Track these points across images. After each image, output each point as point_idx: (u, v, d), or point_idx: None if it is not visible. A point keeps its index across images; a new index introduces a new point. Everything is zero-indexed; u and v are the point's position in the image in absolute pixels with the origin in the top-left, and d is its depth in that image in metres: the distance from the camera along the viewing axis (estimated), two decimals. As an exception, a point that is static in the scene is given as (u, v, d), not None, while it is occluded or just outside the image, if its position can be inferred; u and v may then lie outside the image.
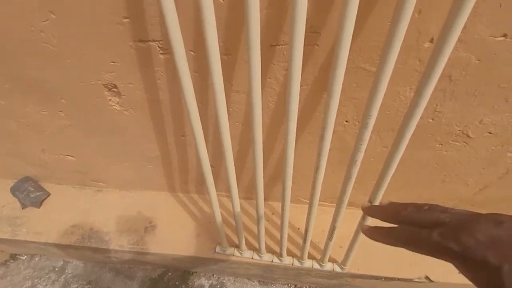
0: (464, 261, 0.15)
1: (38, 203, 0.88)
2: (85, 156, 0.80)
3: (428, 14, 0.36)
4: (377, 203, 0.56)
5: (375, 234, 0.23)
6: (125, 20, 0.44)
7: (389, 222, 0.22)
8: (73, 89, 0.58)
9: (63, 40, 0.48)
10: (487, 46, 0.38)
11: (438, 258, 0.18)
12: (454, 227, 0.16)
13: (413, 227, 0.19)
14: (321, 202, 0.77)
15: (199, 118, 0.45)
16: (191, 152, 0.71)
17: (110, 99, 0.59)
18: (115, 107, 0.61)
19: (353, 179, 0.50)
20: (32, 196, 0.87)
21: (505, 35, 0.36)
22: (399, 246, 0.21)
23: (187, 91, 0.41)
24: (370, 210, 0.26)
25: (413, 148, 0.56)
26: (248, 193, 0.82)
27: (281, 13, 0.39)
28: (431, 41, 0.39)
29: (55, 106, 0.63)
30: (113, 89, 0.57)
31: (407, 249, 0.20)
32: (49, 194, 0.92)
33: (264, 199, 0.58)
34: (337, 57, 0.34)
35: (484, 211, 0.18)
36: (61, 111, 0.65)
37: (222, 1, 0.39)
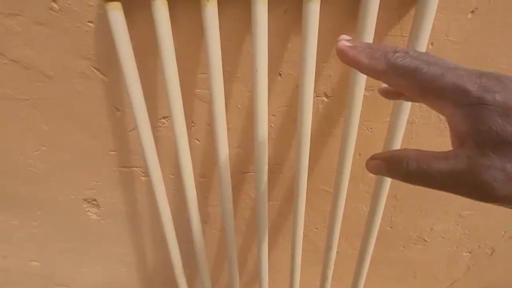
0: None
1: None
2: (52, 261, 0.75)
3: (367, 155, 0.44)
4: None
5: (355, 50, 0.18)
6: (112, 153, 0.49)
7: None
8: (52, 202, 0.59)
9: (49, 165, 0.52)
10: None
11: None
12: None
13: None
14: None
15: (173, 229, 0.50)
16: (168, 257, 0.70)
17: (88, 210, 0.61)
18: (93, 217, 0.62)
19: (329, 279, 0.52)
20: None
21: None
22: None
23: (163, 210, 0.47)
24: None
25: (381, 249, 0.60)
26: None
27: (249, 150, 0.47)
28: (375, 172, 0.46)
29: (29, 216, 0.63)
30: (93, 202, 0.59)
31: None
32: (1, 306, 0.81)
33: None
34: (298, 183, 0.40)
35: None
36: (34, 221, 0.64)
37: (198, 142, 0.46)
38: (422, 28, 0.29)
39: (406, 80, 0.16)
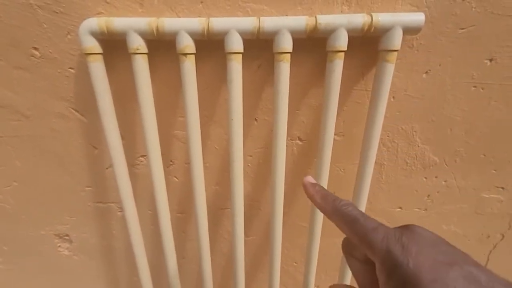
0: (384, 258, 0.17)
1: None
2: (17, 300, 0.70)
3: (341, 193, 0.46)
4: None
5: (314, 189, 0.22)
6: (88, 188, 0.48)
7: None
8: (20, 238, 0.56)
9: (20, 201, 0.50)
10: (389, 214, 0.48)
11: (363, 245, 0.19)
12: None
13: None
14: None
15: (147, 264, 0.49)
16: (143, 293, 0.67)
17: (59, 245, 0.58)
18: (64, 252, 0.59)
19: None
20: None
21: (400, 207, 0.47)
22: (328, 216, 0.21)
23: (137, 245, 0.47)
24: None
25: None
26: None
27: (227, 188, 0.47)
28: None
29: (-6, 253, 0.59)
30: (65, 237, 0.57)
31: (334, 221, 0.21)
32: None
33: None
34: (273, 219, 0.41)
35: None
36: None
37: (176, 179, 0.46)
38: (382, 85, 0.32)
39: (346, 227, 0.20)
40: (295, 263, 0.60)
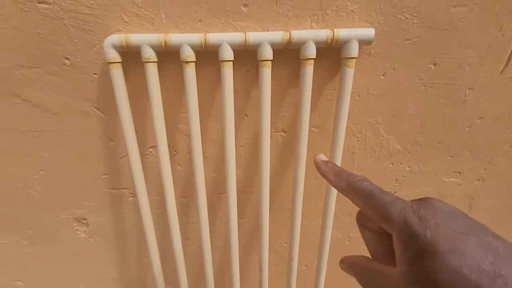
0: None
1: None
2: (37, 281, 0.78)
3: (320, 178, 0.53)
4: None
5: (326, 166, 0.22)
6: (104, 176, 0.56)
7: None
8: (43, 222, 0.64)
9: (45, 188, 0.58)
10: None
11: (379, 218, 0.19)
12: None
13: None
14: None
15: (156, 247, 0.56)
16: (151, 273, 0.74)
17: (77, 229, 0.66)
18: (81, 235, 0.67)
19: None
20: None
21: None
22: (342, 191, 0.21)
23: (147, 225, 0.53)
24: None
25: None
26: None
27: (223, 174, 0.55)
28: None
29: (20, 236, 0.67)
30: (82, 221, 0.65)
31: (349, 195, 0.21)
32: (-20, 329, 0.82)
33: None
34: (262, 203, 0.48)
35: None
36: (24, 240, 0.69)
37: (180, 167, 0.54)
38: (345, 85, 0.39)
39: (362, 202, 0.20)
40: (285, 243, 0.67)
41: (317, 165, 0.23)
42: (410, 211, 0.18)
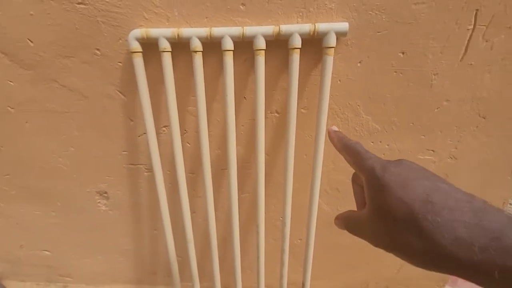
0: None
1: (-1, 303, 0.88)
2: (61, 250, 0.88)
3: (311, 155, 0.61)
4: (308, 284, 0.70)
5: (334, 134, 0.29)
6: (124, 153, 0.65)
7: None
8: (70, 195, 0.74)
9: (74, 163, 0.68)
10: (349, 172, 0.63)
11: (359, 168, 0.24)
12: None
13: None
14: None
15: (169, 216, 0.63)
16: (162, 244, 0.84)
17: (99, 202, 0.76)
18: (102, 208, 0.77)
19: (286, 264, 0.66)
20: (-5, 295, 0.88)
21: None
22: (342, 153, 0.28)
23: (161, 197, 0.61)
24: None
25: (332, 236, 0.75)
26: (207, 282, 0.91)
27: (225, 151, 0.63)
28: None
29: (49, 207, 0.77)
30: (104, 194, 0.74)
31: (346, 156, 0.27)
32: (12, 292, 0.92)
33: None
34: (258, 179, 0.56)
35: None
36: (53, 211, 0.79)
37: (188, 145, 0.63)
38: (326, 71, 0.47)
39: (350, 157, 0.26)
40: (281, 217, 0.75)
41: (328, 133, 0.31)
42: (378, 163, 0.23)
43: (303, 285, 0.70)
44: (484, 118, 0.54)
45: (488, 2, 0.43)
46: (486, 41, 0.46)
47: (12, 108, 0.60)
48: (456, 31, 0.46)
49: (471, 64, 0.48)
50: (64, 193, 0.74)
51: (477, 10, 0.44)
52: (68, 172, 0.69)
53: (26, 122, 0.62)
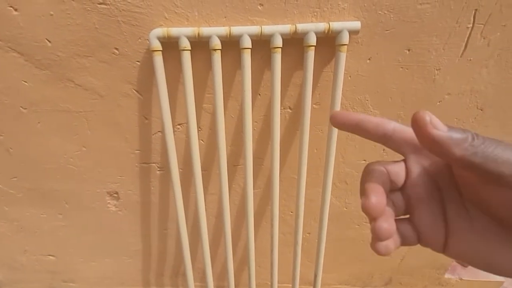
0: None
1: (2, 312, 0.85)
2: (67, 254, 0.86)
3: (322, 150, 0.64)
4: (320, 276, 0.73)
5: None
6: (136, 151, 0.66)
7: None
8: (79, 196, 0.73)
9: (85, 163, 0.68)
10: (357, 165, 0.66)
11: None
12: None
13: None
14: (280, 284, 0.89)
15: (184, 215, 0.64)
16: (171, 244, 0.84)
17: (109, 202, 0.75)
18: (112, 208, 0.76)
19: (299, 256, 0.68)
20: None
21: (364, 160, 0.65)
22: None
23: (178, 195, 0.61)
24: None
25: (340, 228, 0.78)
26: (220, 281, 0.91)
27: (239, 148, 0.65)
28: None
29: (56, 209, 0.76)
30: (114, 194, 0.74)
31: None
32: (14, 300, 0.90)
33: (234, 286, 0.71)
34: (273, 174, 0.58)
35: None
36: (60, 214, 0.78)
37: (202, 142, 0.64)
38: (339, 67, 0.50)
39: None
40: (291, 212, 0.77)
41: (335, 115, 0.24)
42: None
43: (315, 276, 0.72)
44: (482, 110, 0.59)
45: (486, 2, 0.47)
46: (484, 38, 0.50)
47: (24, 109, 0.60)
48: (456, 29, 0.50)
49: (470, 60, 0.53)
50: (72, 195, 0.74)
51: (476, 9, 0.48)
52: (79, 173, 0.69)
53: (38, 123, 0.61)
